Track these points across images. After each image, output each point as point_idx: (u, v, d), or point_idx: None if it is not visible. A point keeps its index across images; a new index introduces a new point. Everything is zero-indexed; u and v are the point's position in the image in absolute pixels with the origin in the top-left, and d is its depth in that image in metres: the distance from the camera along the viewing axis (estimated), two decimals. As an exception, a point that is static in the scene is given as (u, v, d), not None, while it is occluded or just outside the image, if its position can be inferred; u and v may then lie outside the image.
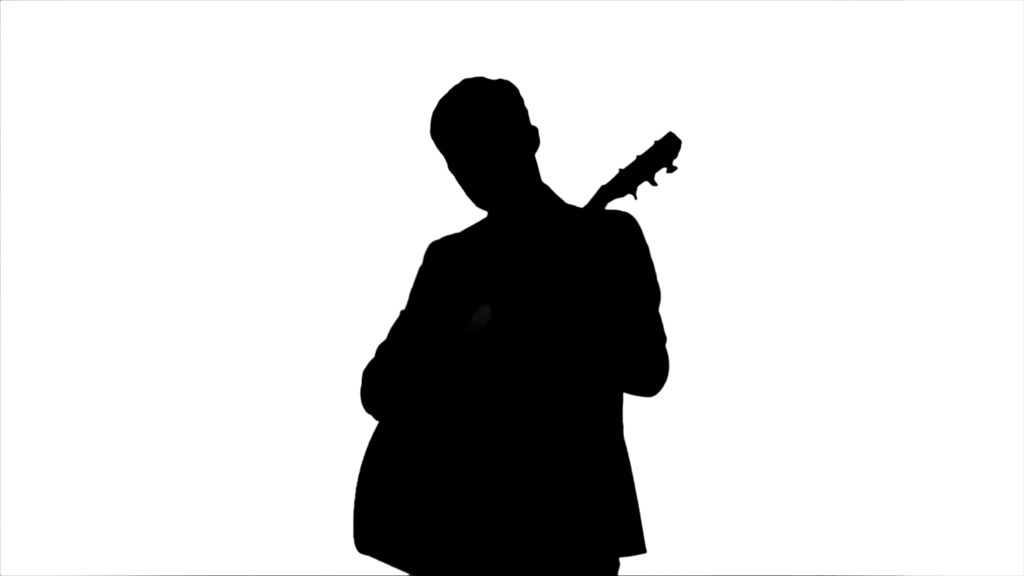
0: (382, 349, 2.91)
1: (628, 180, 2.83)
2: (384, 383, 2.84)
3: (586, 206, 2.79)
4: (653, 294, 2.84)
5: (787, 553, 4.84)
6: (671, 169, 2.84)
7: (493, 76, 2.94)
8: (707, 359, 4.82)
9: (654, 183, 2.85)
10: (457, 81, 2.97)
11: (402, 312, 2.94)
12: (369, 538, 2.73)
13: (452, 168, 2.87)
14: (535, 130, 2.89)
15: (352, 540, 2.82)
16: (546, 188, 2.90)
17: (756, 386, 4.87)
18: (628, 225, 2.88)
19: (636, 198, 2.86)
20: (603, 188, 2.82)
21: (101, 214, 4.96)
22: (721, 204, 4.83)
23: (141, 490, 4.90)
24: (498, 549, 2.68)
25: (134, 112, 4.95)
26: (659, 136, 2.90)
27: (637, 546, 2.79)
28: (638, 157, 2.84)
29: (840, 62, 4.89)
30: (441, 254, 2.94)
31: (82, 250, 4.95)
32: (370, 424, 4.57)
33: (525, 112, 2.87)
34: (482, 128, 2.80)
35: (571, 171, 3.89)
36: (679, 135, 2.87)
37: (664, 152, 2.83)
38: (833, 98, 4.90)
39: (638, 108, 4.93)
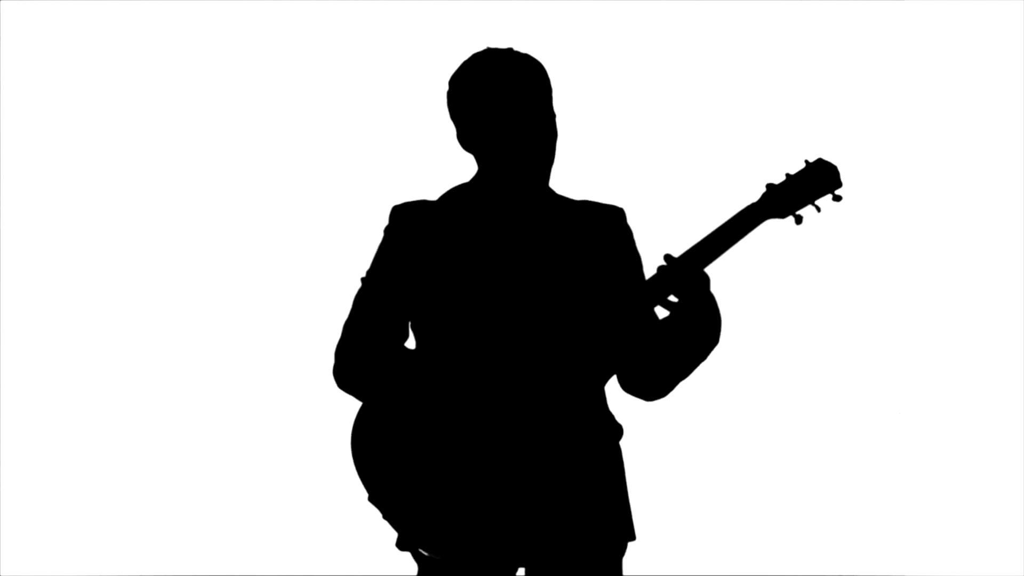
0: (349, 327, 2.86)
1: (786, 202, 2.82)
2: (362, 365, 2.82)
3: (732, 220, 2.78)
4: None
5: (787, 553, 4.84)
6: (837, 198, 2.85)
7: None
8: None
9: (818, 209, 2.86)
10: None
11: (364, 279, 2.88)
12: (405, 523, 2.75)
13: (471, 131, 2.82)
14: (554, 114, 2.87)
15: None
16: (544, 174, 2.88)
17: (755, 385, 4.87)
18: (616, 216, 2.88)
19: (799, 223, 2.84)
20: (754, 205, 2.81)
21: (100, 214, 4.95)
22: (719, 205, 4.82)
23: (141, 490, 4.90)
24: (508, 533, 2.70)
25: (134, 112, 4.95)
26: (801, 166, 2.91)
27: (627, 534, 2.82)
28: (790, 178, 2.83)
29: (840, 62, 4.89)
30: (413, 219, 2.86)
31: (82, 250, 4.95)
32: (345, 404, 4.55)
33: (550, 87, 2.85)
34: (543, 98, 2.80)
35: (570, 166, 3.89)
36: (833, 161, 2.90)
37: (823, 178, 2.83)
38: (833, 98, 4.90)
39: (636, 108, 4.93)
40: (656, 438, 4.77)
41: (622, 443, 2.90)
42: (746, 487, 4.86)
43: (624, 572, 2.87)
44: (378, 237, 2.91)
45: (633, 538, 2.82)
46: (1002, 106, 4.88)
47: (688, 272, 2.78)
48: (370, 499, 2.76)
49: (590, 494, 2.77)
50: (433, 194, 2.93)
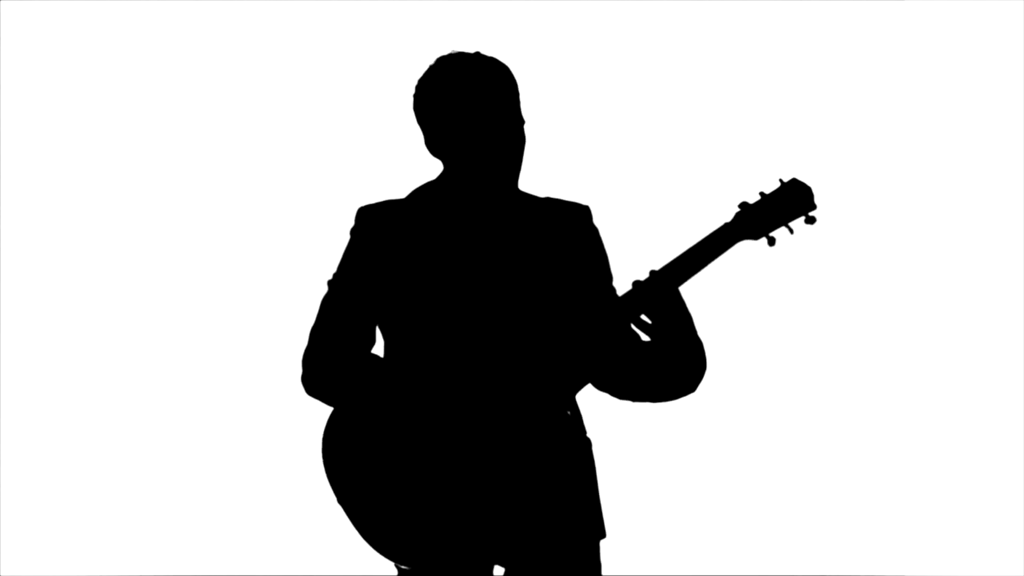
0: (316, 332, 2.84)
1: (759, 224, 2.80)
2: (329, 371, 2.80)
3: (705, 241, 2.77)
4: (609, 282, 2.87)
5: (787, 553, 4.83)
6: (810, 220, 2.82)
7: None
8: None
9: (791, 231, 2.83)
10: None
11: (330, 283, 2.86)
12: (377, 536, 2.74)
13: (439, 135, 2.81)
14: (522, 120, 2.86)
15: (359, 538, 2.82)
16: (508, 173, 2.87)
17: (754, 385, 4.86)
18: (582, 215, 2.88)
19: (772, 245, 2.82)
20: (728, 225, 2.79)
21: (100, 214, 4.96)
22: (717, 205, 4.82)
23: (141, 490, 4.90)
24: (483, 538, 2.70)
25: (134, 112, 4.95)
26: (776, 185, 2.87)
27: (597, 532, 2.82)
28: (764, 198, 2.81)
29: (840, 62, 4.89)
30: (379, 221, 2.83)
31: (82, 250, 4.95)
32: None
33: (517, 90, 2.84)
34: (510, 104, 2.78)
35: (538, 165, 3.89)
36: (806, 181, 2.88)
37: (796, 199, 2.81)
38: (833, 98, 4.89)
39: (615, 109, 4.93)
40: (630, 436, 4.76)
41: (594, 440, 2.89)
42: (744, 488, 4.86)
43: (603, 570, 2.86)
44: (344, 239, 2.88)
45: (603, 535, 2.82)
46: (1002, 106, 4.87)
47: (660, 293, 2.77)
48: (339, 503, 2.75)
49: (559, 492, 2.76)
50: (399, 193, 2.90)
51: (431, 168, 3.06)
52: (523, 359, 2.74)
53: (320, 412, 3.20)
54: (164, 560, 4.89)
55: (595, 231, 2.89)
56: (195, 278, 4.93)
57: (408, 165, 4.28)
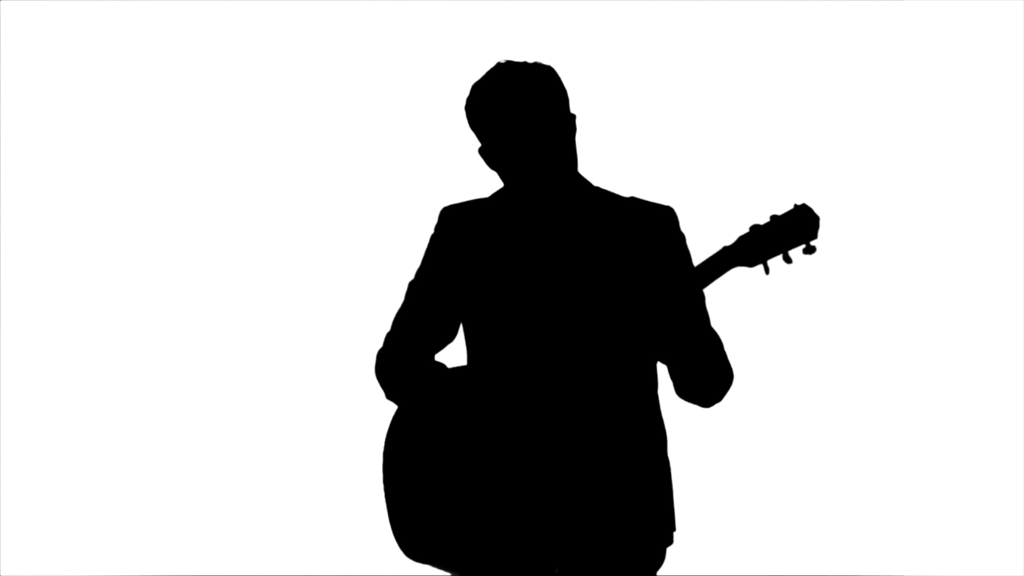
0: (394, 329, 2.85)
1: (757, 250, 2.74)
2: (402, 369, 2.81)
3: (704, 264, 2.72)
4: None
5: (787, 553, 4.84)
6: (809, 249, 2.75)
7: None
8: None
9: (788, 260, 2.76)
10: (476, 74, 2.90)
11: (412, 281, 2.86)
12: (419, 544, 2.73)
13: (491, 149, 2.80)
14: (573, 116, 2.82)
15: (399, 546, 2.81)
16: (578, 175, 2.85)
17: (753, 384, 4.87)
18: (667, 217, 2.84)
19: (768, 273, 2.76)
20: (727, 249, 2.74)
21: (101, 214, 4.96)
22: (719, 204, 4.83)
23: (141, 490, 4.90)
24: (552, 542, 2.70)
25: (134, 112, 4.95)
26: (788, 208, 2.78)
27: (667, 539, 2.82)
28: (767, 225, 2.75)
29: (840, 62, 4.89)
30: (460, 220, 2.84)
31: (82, 250, 4.95)
32: (384, 410, 4.57)
33: (566, 97, 2.81)
34: (528, 110, 2.75)
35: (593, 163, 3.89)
36: (815, 210, 2.78)
37: (800, 227, 2.73)
38: (833, 98, 4.90)
39: (639, 109, 4.94)
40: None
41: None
42: (744, 487, 4.86)
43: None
44: (425, 239, 2.89)
45: (671, 542, 2.81)
46: (1002, 106, 4.88)
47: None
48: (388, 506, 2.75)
49: (635, 499, 2.75)
50: (475, 194, 2.91)
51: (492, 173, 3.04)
52: (606, 359, 2.72)
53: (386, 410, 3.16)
54: (164, 560, 4.89)
55: (681, 234, 2.85)
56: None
57: (480, 168, 4.27)
